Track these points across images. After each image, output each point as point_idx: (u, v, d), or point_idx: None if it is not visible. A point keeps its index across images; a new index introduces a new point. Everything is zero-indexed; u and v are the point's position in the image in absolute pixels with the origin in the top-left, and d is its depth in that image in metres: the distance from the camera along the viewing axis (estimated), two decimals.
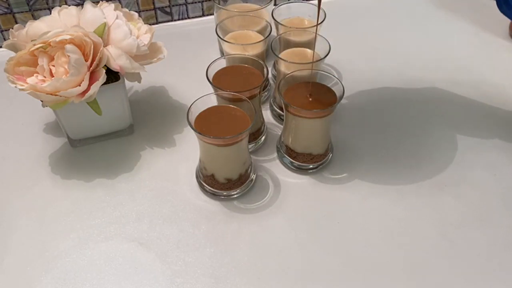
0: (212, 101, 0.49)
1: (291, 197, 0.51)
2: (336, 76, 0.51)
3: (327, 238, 0.47)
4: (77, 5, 0.54)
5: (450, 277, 0.44)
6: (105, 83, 0.49)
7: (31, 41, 0.48)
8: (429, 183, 0.53)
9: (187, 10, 0.80)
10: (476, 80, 0.68)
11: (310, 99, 0.50)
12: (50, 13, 0.52)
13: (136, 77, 0.54)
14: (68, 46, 0.46)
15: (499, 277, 0.44)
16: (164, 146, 0.57)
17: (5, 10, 0.70)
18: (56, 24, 0.50)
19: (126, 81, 0.54)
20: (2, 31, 0.72)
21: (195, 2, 0.80)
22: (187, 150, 0.56)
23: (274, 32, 0.60)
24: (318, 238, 0.47)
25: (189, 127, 0.45)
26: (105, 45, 0.50)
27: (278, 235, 0.48)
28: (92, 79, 0.48)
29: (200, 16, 0.82)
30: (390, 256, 0.46)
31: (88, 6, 0.51)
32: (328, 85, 0.51)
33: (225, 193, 0.51)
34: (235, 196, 0.51)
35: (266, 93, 0.64)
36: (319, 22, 0.60)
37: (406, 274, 0.45)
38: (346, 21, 0.81)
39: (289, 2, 0.64)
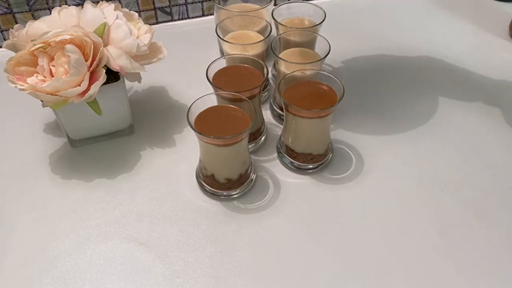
0: (212, 101, 0.49)
1: (291, 197, 0.51)
2: (336, 76, 0.50)
3: (327, 238, 0.47)
4: (77, 5, 0.54)
5: (450, 277, 0.44)
6: (105, 83, 0.49)
7: (31, 41, 0.48)
8: (429, 183, 0.53)
9: (187, 10, 0.80)
10: (476, 80, 0.68)
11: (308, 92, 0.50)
12: (50, 13, 0.52)
13: (136, 77, 0.54)
14: (68, 46, 0.46)
15: (499, 277, 0.44)
16: (164, 146, 0.57)
17: (5, 10, 0.70)
18: (56, 24, 0.50)
19: (126, 81, 0.54)
20: (2, 31, 0.72)
21: (195, 2, 0.80)
22: (187, 150, 0.56)
23: (274, 32, 0.60)
24: (318, 238, 0.47)
25: (189, 127, 0.45)
26: (105, 45, 0.50)
27: (278, 235, 0.48)
28: (92, 79, 0.48)
29: (200, 16, 0.82)
30: (390, 256, 0.46)
31: (88, 6, 0.51)
32: (328, 85, 0.51)
33: (225, 193, 0.51)
34: (235, 196, 0.51)
35: (266, 93, 0.64)
36: (319, 22, 0.60)
37: (406, 274, 0.45)
38: (346, 21, 0.81)
39: (289, 2, 0.64)
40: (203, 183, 0.51)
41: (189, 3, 0.79)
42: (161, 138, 0.58)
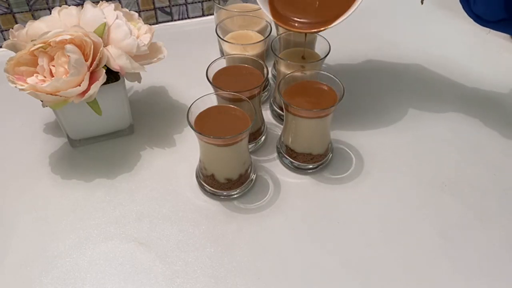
0: (212, 101, 0.49)
1: (291, 197, 0.51)
2: (336, 76, 0.50)
3: (327, 238, 0.47)
4: (77, 5, 0.54)
5: (450, 277, 0.44)
6: (105, 83, 0.49)
7: (31, 41, 0.48)
8: (429, 183, 0.53)
9: (187, 10, 0.80)
10: (476, 80, 0.68)
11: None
12: (50, 13, 0.52)
13: (136, 77, 0.54)
14: (68, 46, 0.46)
15: (499, 277, 0.44)
16: (164, 146, 0.57)
17: (5, 10, 0.70)
18: (56, 24, 0.50)
19: (126, 81, 0.54)
20: (2, 31, 0.72)
21: (195, 2, 0.80)
22: (187, 150, 0.56)
23: (274, 32, 0.60)
24: (318, 238, 0.47)
25: (189, 127, 0.45)
26: (105, 45, 0.50)
27: (278, 235, 0.48)
28: (92, 79, 0.48)
29: (200, 16, 0.82)
30: (390, 256, 0.46)
31: (88, 6, 0.51)
32: (328, 85, 0.51)
33: (225, 193, 0.51)
34: (235, 196, 0.51)
35: (266, 93, 0.64)
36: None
37: (406, 274, 0.45)
38: (346, 21, 0.81)
39: None
40: (203, 183, 0.51)
41: (189, 3, 0.80)
42: (161, 138, 0.58)
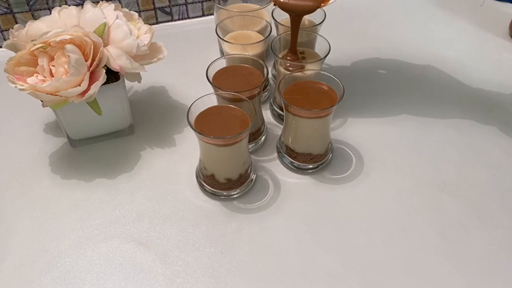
0: (212, 101, 0.49)
1: (291, 197, 0.51)
2: (336, 76, 0.51)
3: (327, 238, 0.47)
4: (77, 5, 0.54)
5: (450, 277, 0.44)
6: (105, 83, 0.49)
7: (31, 41, 0.48)
8: (429, 183, 0.53)
9: (187, 10, 0.80)
10: (476, 80, 0.68)
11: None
12: (50, 13, 0.52)
13: (136, 77, 0.54)
14: (68, 46, 0.46)
15: (499, 277, 0.44)
16: (164, 146, 0.57)
17: (5, 10, 0.70)
18: (56, 24, 0.50)
19: (126, 81, 0.54)
20: (2, 31, 0.72)
21: (195, 2, 0.80)
22: (187, 150, 0.56)
23: (274, 32, 0.60)
24: (318, 238, 0.47)
25: (189, 127, 0.45)
26: (105, 45, 0.50)
27: (278, 235, 0.48)
28: (92, 79, 0.48)
29: (200, 16, 0.82)
30: (390, 256, 0.46)
31: (88, 6, 0.51)
32: (328, 85, 0.51)
33: (225, 193, 0.51)
34: (235, 196, 0.51)
35: (266, 93, 0.64)
36: (319, 22, 0.60)
37: (406, 274, 0.45)
38: (346, 21, 0.81)
39: None
40: (203, 183, 0.51)
41: (189, 3, 0.80)
42: (161, 138, 0.58)
